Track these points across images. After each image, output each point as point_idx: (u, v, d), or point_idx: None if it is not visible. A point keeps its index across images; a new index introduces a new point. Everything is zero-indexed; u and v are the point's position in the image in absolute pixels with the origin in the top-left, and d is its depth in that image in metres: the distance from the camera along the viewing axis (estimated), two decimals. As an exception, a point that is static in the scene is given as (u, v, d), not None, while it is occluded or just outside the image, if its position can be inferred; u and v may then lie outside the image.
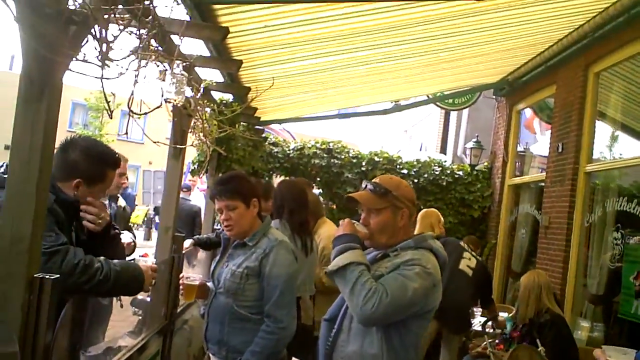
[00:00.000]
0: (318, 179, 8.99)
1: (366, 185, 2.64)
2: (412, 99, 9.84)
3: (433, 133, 14.46)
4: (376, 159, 9.18)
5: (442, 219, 5.75)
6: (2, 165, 2.59)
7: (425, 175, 9.14)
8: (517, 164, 8.77)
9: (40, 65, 1.83)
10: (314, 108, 8.36)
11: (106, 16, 1.99)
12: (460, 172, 9.31)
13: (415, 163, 9.33)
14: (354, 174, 8.95)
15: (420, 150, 15.21)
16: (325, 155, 9.03)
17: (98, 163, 2.60)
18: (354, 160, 9.11)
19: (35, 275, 1.91)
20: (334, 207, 9.01)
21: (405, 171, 9.14)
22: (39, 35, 1.73)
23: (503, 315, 5.85)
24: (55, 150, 2.65)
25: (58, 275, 1.97)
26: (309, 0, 3.51)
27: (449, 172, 9.28)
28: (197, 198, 10.51)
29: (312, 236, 4.38)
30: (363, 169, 9.04)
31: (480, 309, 5.97)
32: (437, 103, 9.88)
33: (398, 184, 2.63)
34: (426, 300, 2.40)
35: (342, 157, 9.09)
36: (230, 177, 3.16)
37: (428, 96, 9.48)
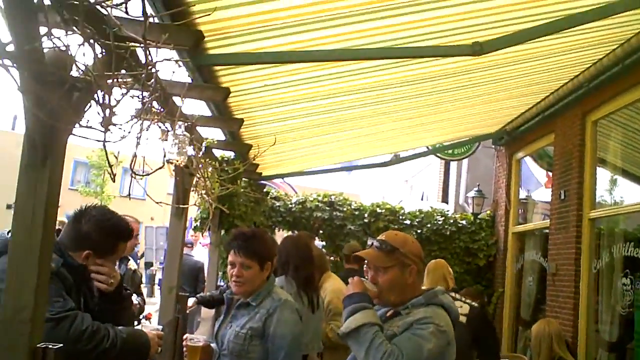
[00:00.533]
0: (321, 231, 8.96)
1: (372, 243, 2.62)
2: (411, 150, 9.91)
3: (434, 182, 14.49)
4: (378, 210, 9.16)
5: (450, 269, 5.66)
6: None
7: (429, 225, 9.10)
8: (520, 211, 8.75)
9: (43, 131, 1.85)
10: (314, 162, 8.41)
11: (109, 81, 2.01)
12: (464, 221, 9.27)
13: (417, 213, 9.30)
14: (356, 226, 8.91)
15: (422, 199, 15.21)
16: (327, 208, 9.02)
17: (110, 236, 2.59)
18: (356, 212, 9.09)
19: (38, 345, 1.87)
20: (338, 259, 8.94)
21: (407, 222, 9.11)
22: (42, 102, 1.74)
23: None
24: (68, 219, 2.67)
25: (61, 345, 1.94)
26: (307, 60, 3.56)
27: (452, 221, 9.23)
28: (200, 253, 10.47)
29: (318, 292, 4.32)
30: (365, 220, 9.01)
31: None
32: (437, 154, 9.95)
33: (405, 241, 2.60)
34: (441, 359, 2.35)
35: (344, 209, 9.08)
36: (253, 236, 3.08)
37: (428, 147, 9.54)
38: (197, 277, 8.28)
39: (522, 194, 8.77)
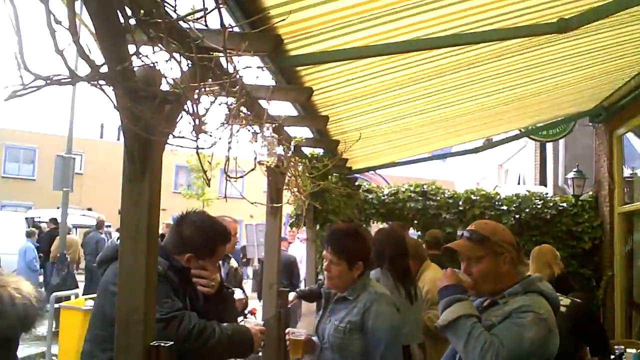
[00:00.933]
0: (415, 222, 8.90)
1: (462, 234, 2.59)
2: (503, 134, 9.61)
3: (530, 165, 13.95)
4: (473, 197, 8.96)
5: (558, 254, 5.40)
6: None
7: (527, 210, 8.78)
8: (626, 190, 8.25)
9: (140, 145, 1.97)
10: (405, 152, 8.34)
11: (197, 92, 2.11)
12: (564, 204, 8.87)
13: (514, 198, 9.00)
14: (451, 215, 8.77)
15: (519, 183, 14.70)
16: (420, 198, 8.93)
17: (209, 239, 2.73)
18: (450, 201, 8.94)
19: (151, 344, 2.00)
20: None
21: (504, 207, 8.85)
22: (137, 118, 1.85)
23: (630, 352, 5.41)
24: (171, 225, 2.84)
25: (173, 342, 2.06)
26: (386, 52, 3.55)
27: (551, 204, 8.86)
28: (299, 248, 10.70)
29: (415, 283, 4.31)
30: (460, 208, 8.84)
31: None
32: (531, 136, 9.58)
33: (495, 229, 2.55)
34: (543, 348, 2.29)
35: (438, 198, 8.96)
36: (345, 235, 3.11)
37: (520, 130, 9.22)
38: (292, 271, 8.53)
39: (627, 172, 8.28)
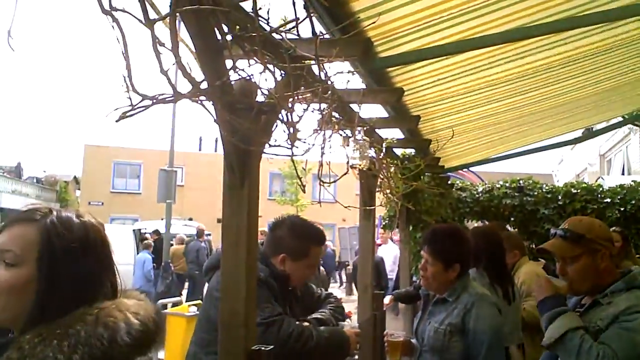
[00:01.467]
0: (512, 219, 8.60)
1: (555, 233, 2.48)
2: (604, 122, 9.10)
3: (635, 154, 13.19)
4: (573, 190, 8.53)
5: None
6: None
7: (633, 202, 8.25)
8: None
9: (238, 155, 2.04)
10: (499, 147, 8.09)
11: (290, 100, 2.16)
12: (677, 194, 8.29)
13: (618, 189, 8.47)
14: (550, 210, 8.40)
15: (623, 174, 13.92)
16: (516, 194, 8.62)
17: (301, 239, 2.78)
18: (549, 195, 8.55)
19: (252, 348, 2.06)
20: (533, 246, 8.52)
21: (608, 200, 8.36)
22: (235, 130, 1.92)
23: None
24: (268, 229, 2.94)
25: (272, 346, 2.12)
26: (476, 47, 3.46)
27: (660, 195, 8.31)
28: (389, 250, 10.69)
29: (512, 282, 4.18)
30: (560, 202, 8.44)
31: None
32: (636, 123, 9.03)
33: (590, 226, 2.42)
34: None
35: (535, 193, 8.59)
36: (445, 235, 3.08)
37: (623, 117, 8.71)
38: (380, 272, 8.59)
39: None
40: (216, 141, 39.84)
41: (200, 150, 40.92)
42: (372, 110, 4.23)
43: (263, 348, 2.08)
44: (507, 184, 8.79)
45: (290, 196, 29.62)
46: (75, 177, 37.11)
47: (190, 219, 25.15)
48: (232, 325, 2.08)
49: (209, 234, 17.60)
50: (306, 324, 2.69)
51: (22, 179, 33.52)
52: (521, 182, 8.79)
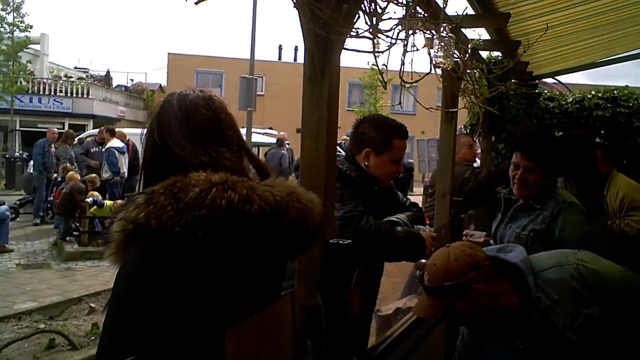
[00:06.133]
0: (602, 131, 8.14)
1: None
2: None
3: None
4: (672, 100, 7.94)
5: None
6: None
7: None
8: None
9: (319, 46, 1.98)
10: (595, 54, 7.54)
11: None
12: None
13: None
14: (646, 122, 7.88)
15: None
16: (609, 105, 8.11)
17: (383, 131, 2.76)
18: (645, 106, 8.01)
19: (330, 241, 2.08)
20: (624, 162, 8.09)
21: None
22: (316, 17, 1.86)
23: None
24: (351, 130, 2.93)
25: (350, 241, 2.13)
26: None
27: None
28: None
29: (602, 193, 3.99)
30: (658, 114, 7.90)
31: None
32: None
33: (445, 269, 2.11)
34: None
35: (630, 104, 8.04)
36: (542, 139, 2.96)
37: None
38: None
39: None
40: (295, 50, 39.62)
41: (279, 59, 40.85)
42: (458, 8, 4.00)
43: (341, 241, 2.10)
44: (600, 94, 8.27)
45: (370, 107, 29.34)
46: (160, 86, 38.08)
47: (270, 128, 25.49)
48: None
49: (289, 143, 17.81)
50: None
51: (111, 87, 34.67)
52: (615, 92, 8.24)
